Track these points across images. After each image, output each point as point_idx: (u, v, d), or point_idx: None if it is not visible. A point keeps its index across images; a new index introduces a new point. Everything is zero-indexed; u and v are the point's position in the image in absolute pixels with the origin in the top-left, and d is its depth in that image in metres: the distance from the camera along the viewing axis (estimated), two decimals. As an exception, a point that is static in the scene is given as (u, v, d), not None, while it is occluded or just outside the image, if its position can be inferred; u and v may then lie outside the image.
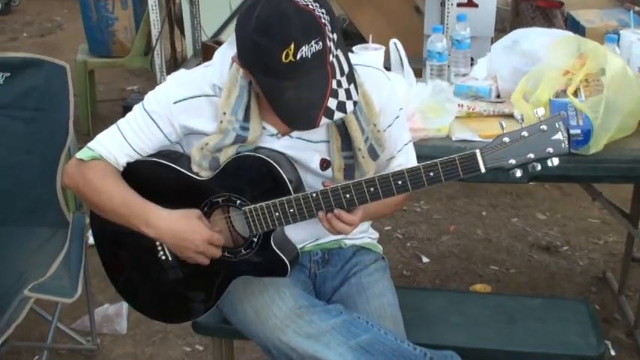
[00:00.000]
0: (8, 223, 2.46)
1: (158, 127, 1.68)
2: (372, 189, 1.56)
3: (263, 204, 1.63)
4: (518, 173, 1.49)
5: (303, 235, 1.80)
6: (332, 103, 1.48)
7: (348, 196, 1.57)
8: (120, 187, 1.69)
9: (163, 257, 1.77)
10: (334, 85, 1.48)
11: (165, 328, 2.72)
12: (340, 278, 1.86)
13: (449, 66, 2.44)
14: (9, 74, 2.41)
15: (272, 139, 1.68)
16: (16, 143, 2.45)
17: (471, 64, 2.48)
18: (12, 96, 2.42)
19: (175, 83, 1.69)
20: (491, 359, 1.90)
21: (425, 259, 3.19)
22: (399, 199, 1.76)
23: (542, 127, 1.46)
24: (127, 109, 1.79)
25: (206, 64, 1.72)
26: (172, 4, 4.54)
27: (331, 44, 1.46)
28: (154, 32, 3.82)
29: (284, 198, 1.61)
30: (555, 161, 1.47)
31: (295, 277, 1.79)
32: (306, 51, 1.43)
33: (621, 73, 1.99)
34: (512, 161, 1.48)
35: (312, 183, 1.71)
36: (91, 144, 1.73)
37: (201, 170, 1.68)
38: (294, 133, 1.68)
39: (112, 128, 1.72)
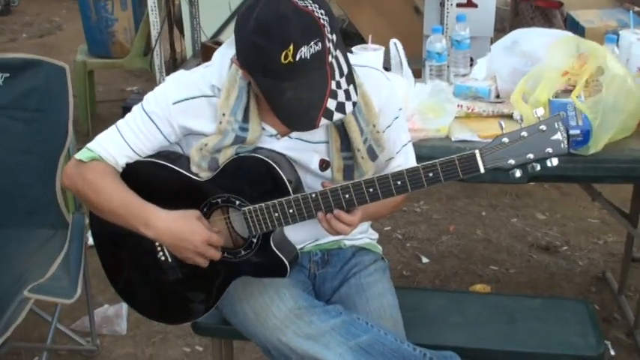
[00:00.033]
0: (8, 224, 2.46)
1: (157, 127, 1.68)
2: (371, 189, 1.56)
3: (262, 205, 1.62)
4: (518, 173, 1.49)
5: (302, 235, 1.80)
6: (331, 104, 1.48)
7: (347, 196, 1.57)
8: (119, 188, 1.69)
9: (163, 258, 1.77)
10: (333, 86, 1.48)
11: (165, 329, 2.72)
12: (340, 279, 1.86)
13: (448, 66, 2.44)
14: (8, 75, 2.41)
15: (271, 140, 1.68)
16: (15, 144, 2.45)
17: (471, 65, 2.48)
18: (11, 97, 2.42)
19: (174, 84, 1.69)
20: (491, 359, 1.90)
21: (424, 260, 3.19)
22: (398, 200, 1.76)
23: (541, 127, 1.46)
24: (127, 109, 1.79)
25: (205, 64, 1.72)
26: (172, 4, 4.54)
27: (330, 45, 1.46)
28: (154, 33, 3.82)
29: (283, 199, 1.61)
30: (555, 161, 1.47)
31: (295, 277, 1.79)
32: (305, 52, 1.43)
33: (620, 74, 1.99)
34: (512, 161, 1.48)
35: (312, 184, 1.71)
36: (90, 145, 1.73)
37: (201, 171, 1.68)
38: (294, 134, 1.68)
39: (111, 129, 1.72)
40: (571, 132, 1.89)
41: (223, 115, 1.62)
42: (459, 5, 3.60)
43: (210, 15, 4.55)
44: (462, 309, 2.01)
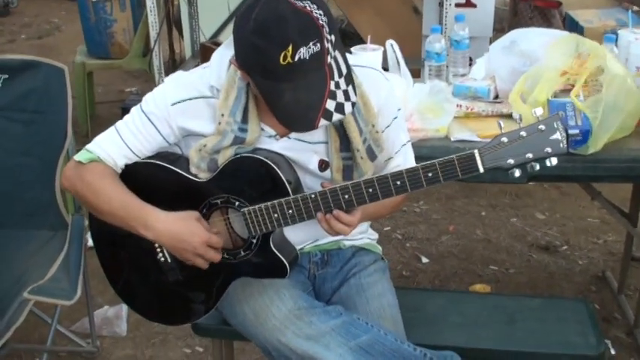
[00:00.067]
0: (7, 226, 2.46)
1: (156, 128, 1.68)
2: (370, 190, 1.56)
3: (262, 205, 1.62)
4: (517, 173, 1.49)
5: (302, 236, 1.79)
6: (330, 104, 1.47)
7: (346, 197, 1.57)
8: (118, 190, 1.69)
9: (162, 259, 1.77)
10: (332, 86, 1.48)
11: (165, 330, 2.72)
12: (339, 279, 1.86)
13: (447, 66, 2.44)
14: (7, 76, 2.41)
15: (270, 141, 1.68)
16: (14, 145, 2.45)
17: (470, 65, 2.48)
18: (10, 98, 2.42)
19: (173, 85, 1.69)
20: (491, 359, 1.90)
21: (424, 260, 3.19)
22: (397, 200, 1.76)
23: (540, 127, 1.46)
24: (126, 110, 1.79)
25: (204, 65, 1.72)
26: (171, 5, 4.55)
27: (329, 46, 1.46)
28: (153, 34, 3.82)
29: (283, 199, 1.61)
30: (554, 161, 1.47)
31: (294, 278, 1.79)
32: (304, 53, 1.43)
33: (621, 74, 1.99)
34: (511, 161, 1.48)
35: (311, 184, 1.71)
36: (89, 146, 1.72)
37: (200, 172, 1.68)
38: (293, 135, 1.68)
39: (110, 130, 1.72)
40: (570, 132, 1.88)
41: (222, 115, 1.62)
42: (457, 5, 3.60)
43: (209, 16, 4.55)
44: (462, 309, 2.01)
